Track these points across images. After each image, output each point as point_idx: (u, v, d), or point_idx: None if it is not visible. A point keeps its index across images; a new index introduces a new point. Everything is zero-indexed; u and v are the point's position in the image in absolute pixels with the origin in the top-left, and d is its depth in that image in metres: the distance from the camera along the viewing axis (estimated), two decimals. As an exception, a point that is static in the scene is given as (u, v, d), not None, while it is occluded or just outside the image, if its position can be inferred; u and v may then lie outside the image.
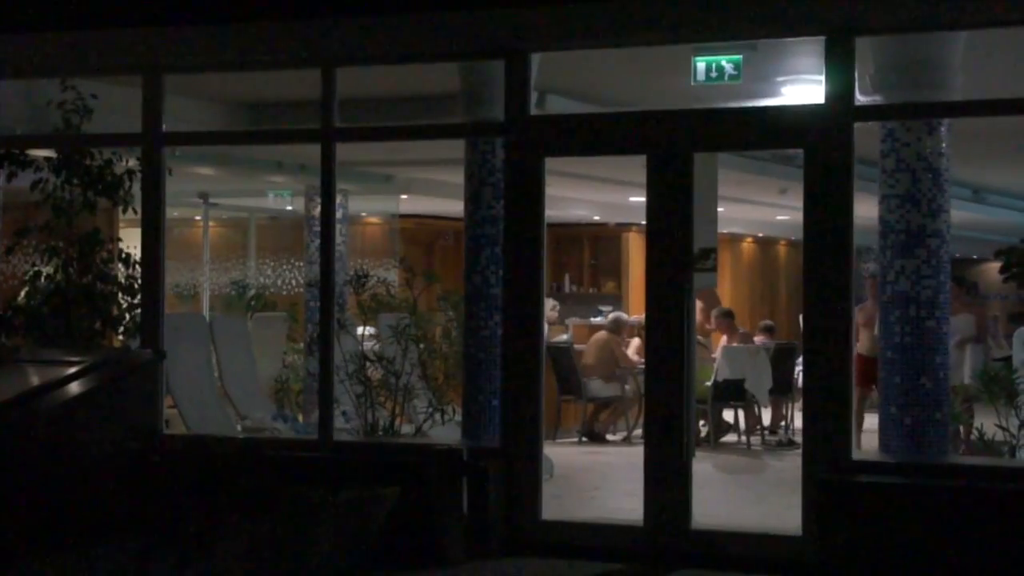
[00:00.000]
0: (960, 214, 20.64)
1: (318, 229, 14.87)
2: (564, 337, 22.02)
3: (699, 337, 16.96)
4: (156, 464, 12.77)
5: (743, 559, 12.58)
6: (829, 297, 12.61)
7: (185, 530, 11.40)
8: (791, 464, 13.23)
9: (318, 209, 14.87)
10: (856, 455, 12.64)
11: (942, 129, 12.71)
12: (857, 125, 12.51)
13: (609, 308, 24.99)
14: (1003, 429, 13.00)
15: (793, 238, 32.47)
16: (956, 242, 14.87)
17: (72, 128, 14.37)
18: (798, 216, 12.92)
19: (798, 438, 16.05)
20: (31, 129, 14.77)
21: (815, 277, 12.69)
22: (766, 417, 20.72)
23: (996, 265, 18.41)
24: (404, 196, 22.84)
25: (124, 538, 11.01)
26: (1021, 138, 14.32)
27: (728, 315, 22.03)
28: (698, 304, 17.59)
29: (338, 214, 15.24)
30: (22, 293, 14.64)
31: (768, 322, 22.92)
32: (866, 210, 12.92)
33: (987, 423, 13.23)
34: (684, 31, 12.89)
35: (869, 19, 12.28)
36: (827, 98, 12.52)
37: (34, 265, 14.60)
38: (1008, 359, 13.95)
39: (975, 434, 13.29)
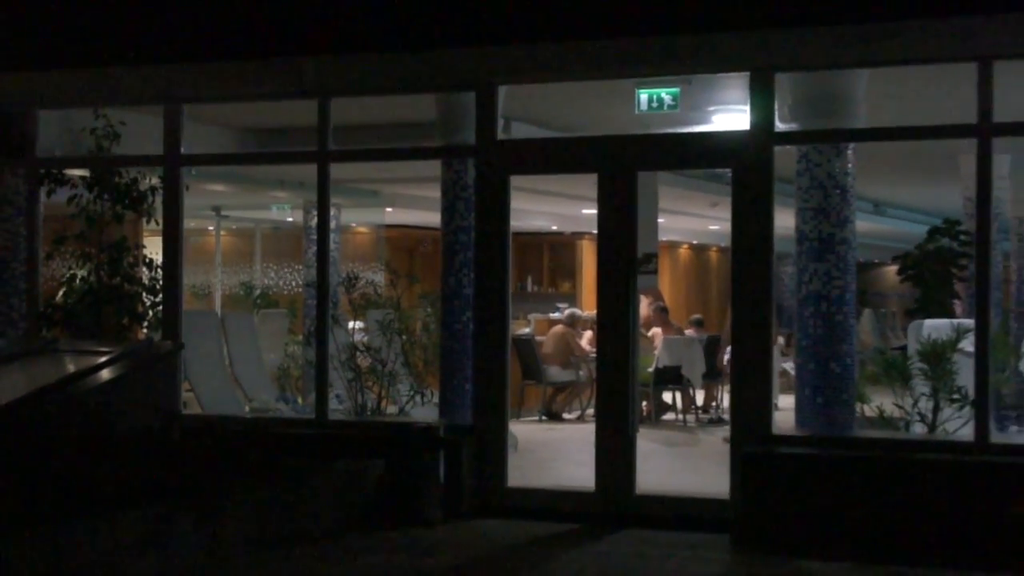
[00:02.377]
0: (864, 224, 20.59)
1: (315, 237, 14.93)
2: (527, 330, 22.09)
3: (643, 330, 17.08)
4: (176, 440, 12.86)
5: (679, 519, 12.63)
6: (752, 296, 12.68)
7: (201, 496, 11.56)
8: (720, 438, 13.36)
9: (315, 220, 14.92)
10: (775, 430, 12.70)
11: (848, 152, 12.75)
12: (777, 148, 12.59)
13: (565, 305, 24.85)
14: (899, 407, 13.15)
15: (722, 245, 32.48)
16: (861, 249, 14.99)
17: (103, 151, 14.43)
18: (727, 226, 12.92)
19: (726, 416, 16.16)
20: (68, 151, 14.75)
21: (741, 278, 12.77)
22: (700, 398, 20.77)
23: (894, 268, 18.68)
24: (389, 209, 22.78)
25: (149, 503, 11.08)
26: (915, 160, 14.47)
27: (663, 310, 22.09)
28: (642, 301, 17.77)
29: (332, 224, 15.22)
30: (60, 293, 14.65)
31: (698, 316, 22.91)
32: (784, 221, 12.99)
33: (886, 402, 13.41)
34: (629, 68, 12.90)
35: (787, 59, 12.31)
36: (751, 125, 12.57)
37: (70, 269, 14.61)
38: (903, 348, 14.09)
39: (876, 412, 13.38)
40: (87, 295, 14.43)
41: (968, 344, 12.55)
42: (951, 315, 15.01)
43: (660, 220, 16.57)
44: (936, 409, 12.73)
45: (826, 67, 12.57)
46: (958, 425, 12.54)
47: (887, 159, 15.68)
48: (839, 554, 11.49)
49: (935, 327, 13.44)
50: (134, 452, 11.97)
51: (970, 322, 12.67)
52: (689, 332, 21.33)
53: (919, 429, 12.80)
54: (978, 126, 11.97)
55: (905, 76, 12.53)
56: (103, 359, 12.42)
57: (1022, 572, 10.95)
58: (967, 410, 12.39)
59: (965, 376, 12.51)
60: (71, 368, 12.42)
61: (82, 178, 14.54)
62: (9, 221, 14.92)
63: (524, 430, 17.10)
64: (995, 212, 12.68)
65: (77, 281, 14.56)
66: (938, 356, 12.84)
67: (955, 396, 12.66)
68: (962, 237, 16.39)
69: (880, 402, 13.34)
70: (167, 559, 10.81)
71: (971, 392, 12.26)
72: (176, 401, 14.18)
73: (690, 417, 20.27)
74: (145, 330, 14.58)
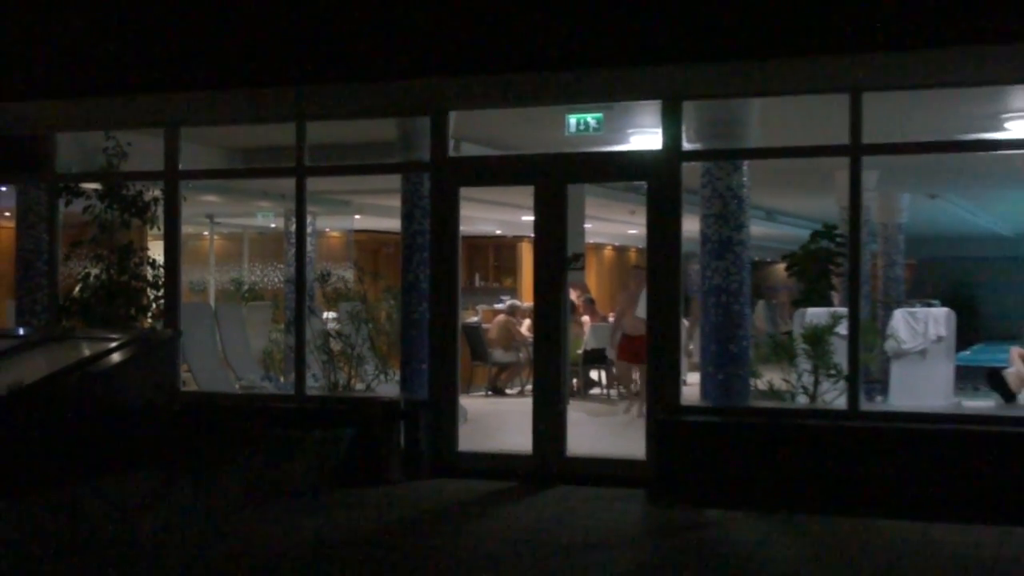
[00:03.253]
0: (757, 229, 20.64)
1: (294, 240, 14.95)
2: (475, 319, 22.13)
3: (573, 317, 17.14)
4: (175, 413, 12.87)
5: (603, 477, 12.72)
6: (664, 289, 12.75)
7: (198, 460, 11.59)
8: (623, 410, 13.43)
9: (294, 226, 14.93)
10: (683, 402, 12.73)
11: (744, 168, 12.85)
12: (684, 165, 12.65)
13: (507, 297, 24.89)
14: (786, 382, 13.23)
15: (640, 246, 32.50)
16: (755, 249, 15.13)
17: (113, 167, 14.35)
18: (643, 230, 12.98)
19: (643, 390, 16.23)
20: (82, 168, 14.70)
21: (654, 275, 12.87)
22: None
23: (783, 265, 18.81)
24: (358, 216, 22.69)
25: (153, 466, 11.12)
26: (800, 174, 14.58)
27: (590, 301, 22.16)
28: (572, 293, 17.85)
29: (308, 229, 15.26)
30: (76, 288, 14.59)
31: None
32: (691, 225, 13.03)
33: (775, 378, 13.50)
34: (560, 96, 12.92)
35: (693, 90, 12.37)
36: (663, 145, 12.61)
37: (85, 268, 14.51)
38: (790, 332, 14.20)
39: (767, 386, 13.47)
40: (100, 290, 14.40)
41: (842, 329, 12.66)
42: (829, 304, 15.16)
43: (587, 225, 16.56)
44: (816, 383, 12.78)
45: (724, 96, 12.60)
46: (834, 396, 12.59)
47: (777, 174, 15.78)
48: (737, 504, 11.57)
49: (816, 314, 13.55)
50: (139, 424, 11.94)
51: (844, 310, 12.78)
52: (613, 318, 21.43)
53: (802, 400, 12.81)
54: (850, 147, 12.11)
55: (790, 104, 12.59)
56: (113, 344, 12.55)
57: (885, 515, 11.08)
58: (841, 384, 12.45)
59: (840, 355, 12.61)
60: (86, 352, 12.39)
61: (95, 191, 14.49)
62: (33, 228, 14.95)
63: (473, 403, 17.15)
64: (864, 219, 12.81)
65: (91, 278, 14.50)
66: (818, 339, 12.91)
67: (832, 372, 12.70)
68: (838, 239, 16.51)
69: (770, 378, 13.39)
70: (170, 514, 10.86)
71: (845, 368, 12.37)
72: (175, 380, 14.13)
73: (612, 391, 20.32)
74: (149, 320, 14.56)
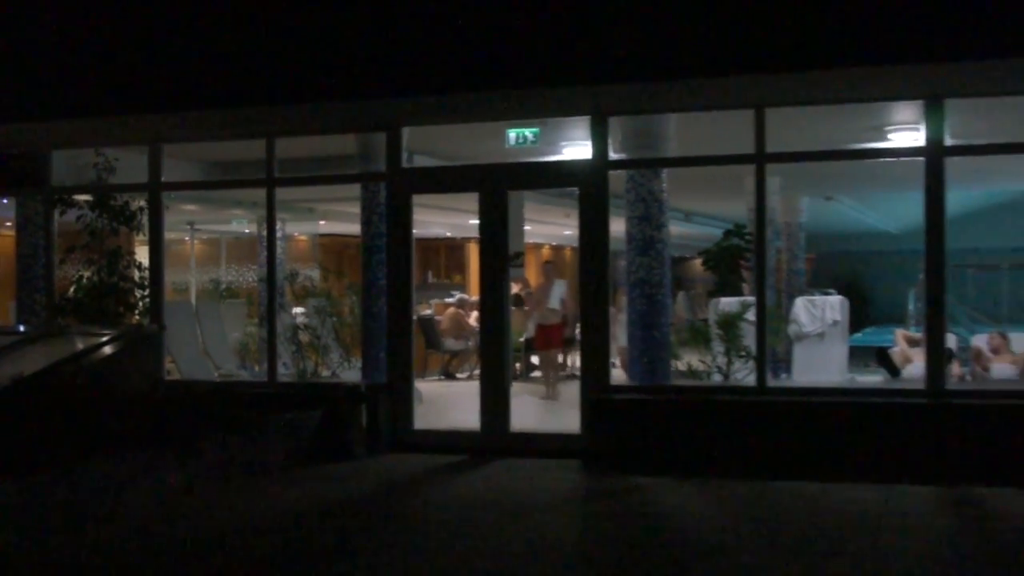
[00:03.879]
0: (676, 229, 20.77)
1: (265, 244, 14.92)
2: (428, 311, 22.13)
3: (515, 308, 17.17)
4: (160, 399, 12.83)
5: (542, 450, 12.78)
6: (594, 283, 12.82)
7: (181, 441, 11.58)
8: (573, 389, 13.50)
9: (265, 231, 14.88)
10: (613, 381, 12.88)
11: (663, 174, 12.93)
12: (611, 172, 12.74)
13: (457, 292, 24.95)
14: (703, 363, 13.33)
15: (574, 245, 32.54)
16: (674, 247, 15.22)
17: (102, 180, 14.30)
18: (576, 231, 12.98)
19: (578, 373, 16.24)
20: (75, 181, 14.66)
21: (586, 271, 12.91)
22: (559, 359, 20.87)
23: (700, 260, 18.94)
24: (322, 222, 22.65)
25: (142, 445, 11.12)
26: (713, 180, 14.67)
27: (530, 294, 22.11)
28: (516, 287, 17.89)
29: (278, 234, 15.24)
30: (71, 289, 14.50)
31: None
32: (618, 226, 13.05)
33: (693, 359, 13.61)
34: (501, 113, 13.02)
35: (617, 107, 12.47)
36: (592, 155, 12.70)
37: (78, 271, 14.47)
38: (706, 320, 14.30)
39: (686, 366, 13.58)
40: (91, 291, 14.32)
41: (751, 315, 12.79)
42: (740, 294, 15.26)
43: (526, 227, 16.70)
44: (729, 363, 12.91)
45: (646, 112, 12.71)
46: (745, 374, 12.73)
47: (693, 180, 15.86)
48: (661, 471, 11.65)
49: (728, 303, 13.69)
50: (128, 409, 11.94)
51: (752, 299, 12.90)
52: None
53: (717, 378, 12.96)
54: (755, 155, 12.22)
55: (704, 118, 12.65)
56: (104, 339, 12.58)
57: (789, 477, 11.21)
58: (751, 363, 12.61)
59: (749, 339, 12.73)
60: (80, 346, 12.43)
61: (87, 202, 14.42)
62: (31, 236, 14.88)
63: (427, 387, 17.14)
64: (769, 219, 12.92)
65: (84, 280, 14.43)
66: (730, 324, 13.03)
67: (742, 353, 12.84)
68: (747, 237, 16.65)
69: (689, 359, 13.50)
70: (156, 488, 10.85)
71: (753, 350, 12.52)
72: (161, 370, 14.15)
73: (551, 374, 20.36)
74: (136, 317, 14.49)
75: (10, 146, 14.65)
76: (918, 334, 15.10)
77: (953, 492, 10.77)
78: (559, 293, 17.20)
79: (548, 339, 17.15)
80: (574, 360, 20.28)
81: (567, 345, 18.87)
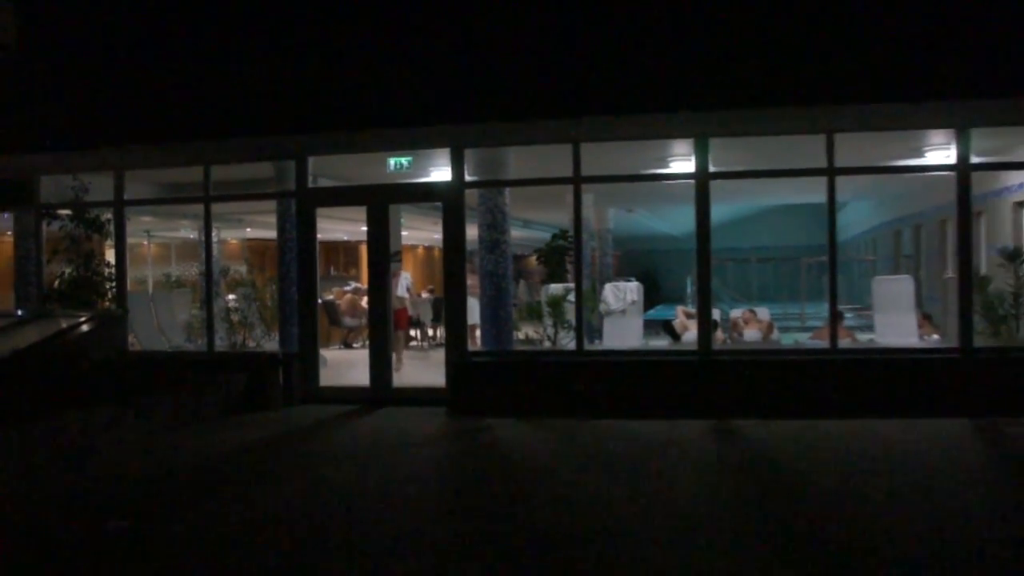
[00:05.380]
0: (517, 233, 20.93)
1: (204, 246, 14.66)
2: (331, 297, 21.86)
3: (402, 294, 16.99)
4: (125, 365, 12.56)
5: (418, 401, 12.79)
6: (455, 275, 12.83)
7: (140, 397, 11.35)
8: (441, 355, 13.43)
9: (204, 236, 14.62)
10: (471, 348, 12.85)
11: (506, 192, 12.96)
12: (467, 191, 12.73)
13: (353, 282, 24.67)
14: (537, 333, 13.35)
15: (441, 246, 32.55)
16: (516, 247, 15.25)
17: (79, 198, 14.01)
18: (442, 235, 13.12)
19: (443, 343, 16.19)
20: (58, 199, 14.27)
21: (448, 266, 12.91)
22: (430, 332, 20.85)
23: (535, 257, 19.01)
24: (249, 229, 22.44)
25: (109, 402, 10.90)
26: (544, 195, 14.65)
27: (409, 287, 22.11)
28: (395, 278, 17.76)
29: (214, 239, 15.01)
30: (55, 282, 14.24)
31: (431, 287, 22.93)
32: (473, 231, 13.19)
33: (531, 331, 13.68)
34: (384, 145, 12.85)
35: (470, 141, 12.49)
36: (452, 177, 12.68)
37: (61, 268, 14.28)
38: (540, 301, 14.32)
39: (525, 336, 13.62)
40: (71, 283, 14.06)
41: (572, 297, 12.89)
42: (564, 281, 15.35)
43: (405, 232, 16.63)
44: (556, 333, 13.00)
45: (493, 145, 12.70)
46: (567, 341, 12.80)
47: (529, 195, 15.87)
48: (507, 414, 11.76)
49: (556, 288, 13.71)
50: (100, 373, 11.72)
51: (573, 285, 13.01)
52: (424, 295, 21.36)
53: (547, 344, 13.03)
54: (573, 178, 12.31)
55: (536, 150, 12.65)
56: (81, 320, 12.45)
57: (601, 416, 11.36)
58: (572, 333, 12.72)
59: (571, 315, 12.84)
60: (64, 325, 12.27)
61: (67, 215, 14.14)
62: (25, 241, 14.64)
63: (330, 354, 16.95)
64: (584, 225, 13.01)
65: (65, 275, 14.18)
66: (557, 304, 13.11)
67: (566, 326, 12.96)
68: (569, 239, 16.73)
69: (527, 331, 13.58)
70: (122, 434, 10.64)
71: (573, 323, 12.63)
72: (125, 343, 13.82)
73: (425, 344, 20.29)
74: (106, 303, 14.18)
75: (6, 171, 14.22)
76: (693, 310, 15.39)
77: (718, 424, 11.04)
78: (404, 284, 17.09)
79: (398, 321, 17.07)
80: (442, 333, 20.27)
81: (414, 325, 18.77)
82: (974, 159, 11.64)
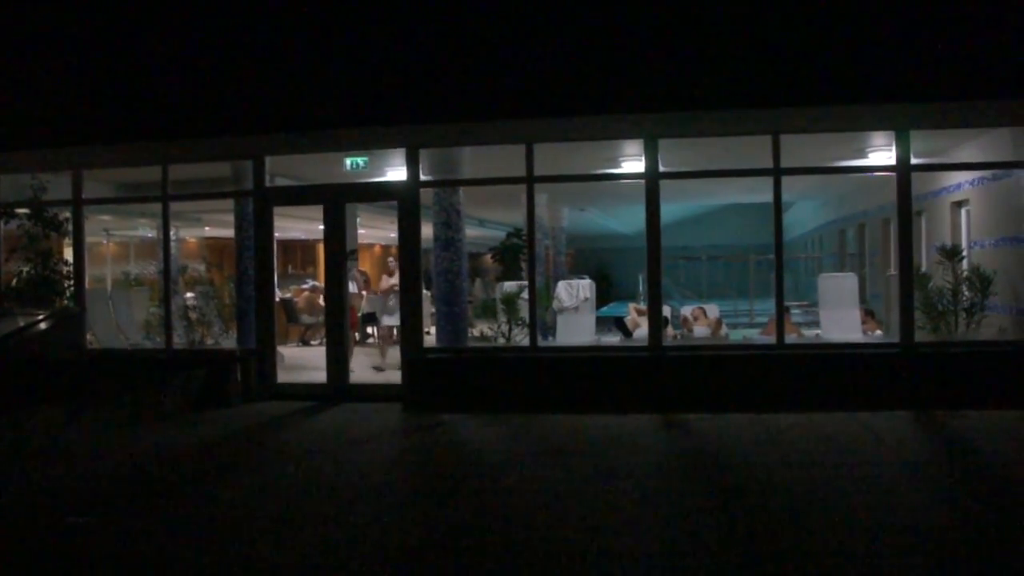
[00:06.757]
0: (472, 231, 21.03)
1: (163, 245, 14.57)
2: (289, 295, 21.79)
3: (353, 291, 16.98)
4: (83, 363, 12.50)
5: (375, 396, 12.82)
6: (411, 272, 12.80)
7: (100, 394, 11.30)
8: (398, 352, 13.41)
9: (163, 235, 14.54)
10: (426, 345, 12.87)
11: (460, 191, 13.00)
12: (423, 190, 12.74)
13: (310, 280, 24.66)
14: (492, 330, 13.25)
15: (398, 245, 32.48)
16: (471, 244, 15.28)
17: (37, 197, 13.85)
18: (398, 233, 13.15)
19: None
20: (16, 198, 14.07)
21: (404, 263, 12.88)
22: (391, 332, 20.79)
23: (490, 255, 19.08)
24: (207, 227, 22.35)
25: (69, 399, 10.85)
26: (499, 195, 14.74)
27: (366, 282, 22.00)
28: (358, 275, 17.76)
29: (172, 237, 14.90)
30: (14, 281, 14.06)
31: (393, 283, 22.86)
32: (428, 230, 13.18)
33: (485, 328, 13.66)
34: (340, 145, 12.88)
35: (425, 142, 12.53)
36: (407, 176, 12.71)
37: (20, 267, 14.10)
38: (495, 298, 14.32)
39: (480, 333, 13.67)
40: (30, 282, 13.86)
41: (526, 295, 12.95)
42: (519, 279, 15.41)
43: (362, 231, 16.61)
44: (510, 330, 13.05)
45: (447, 145, 12.75)
46: (521, 338, 12.86)
47: (484, 195, 15.94)
48: (462, 410, 11.82)
49: (510, 286, 13.75)
50: (59, 371, 11.66)
51: (527, 283, 13.10)
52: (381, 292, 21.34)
53: (502, 341, 13.06)
54: (526, 178, 12.40)
55: (491, 150, 12.71)
56: (40, 318, 12.27)
57: (554, 412, 11.46)
58: (525, 329, 12.79)
59: (524, 311, 12.92)
60: (22, 323, 12.08)
61: (25, 214, 13.95)
62: (-19, 240, 14.48)
63: (288, 351, 16.94)
64: (538, 224, 13.10)
65: (24, 274, 13.96)
66: (511, 301, 13.16)
67: (519, 322, 13.02)
68: (523, 238, 16.80)
69: (482, 327, 13.62)
70: (80, 431, 10.58)
71: (527, 320, 12.73)
72: (83, 341, 13.67)
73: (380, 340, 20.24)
74: (65, 301, 14.04)
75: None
76: (644, 307, 15.52)
77: (667, 418, 11.17)
78: (360, 281, 17.10)
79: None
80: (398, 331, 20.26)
81: (367, 322, 18.83)
82: (914, 160, 11.88)
